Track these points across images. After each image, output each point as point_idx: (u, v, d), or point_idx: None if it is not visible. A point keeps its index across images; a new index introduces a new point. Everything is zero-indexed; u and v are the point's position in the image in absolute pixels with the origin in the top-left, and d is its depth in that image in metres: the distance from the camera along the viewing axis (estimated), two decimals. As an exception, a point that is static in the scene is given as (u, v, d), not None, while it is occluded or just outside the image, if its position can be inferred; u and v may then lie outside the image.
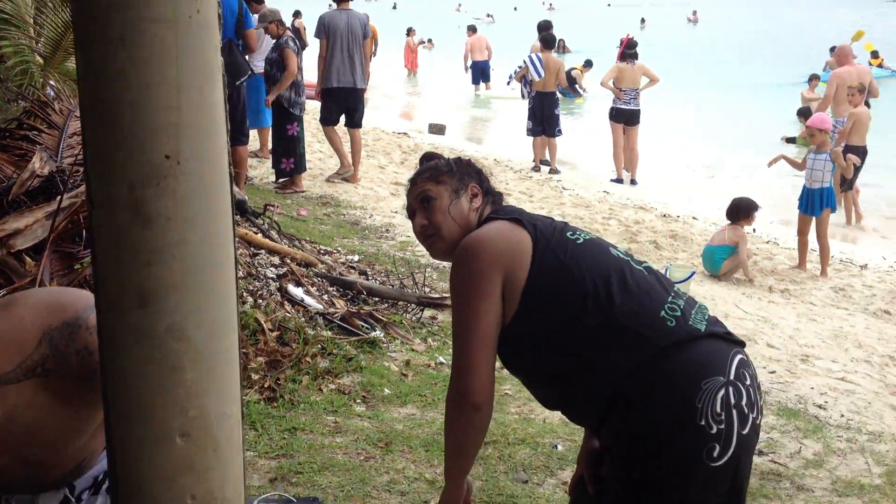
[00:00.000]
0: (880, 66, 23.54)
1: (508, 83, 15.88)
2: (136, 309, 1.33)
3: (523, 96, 12.97)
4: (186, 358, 1.36)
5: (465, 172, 2.39)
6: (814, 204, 8.05)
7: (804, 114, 15.13)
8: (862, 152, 9.59)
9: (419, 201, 2.32)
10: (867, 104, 10.31)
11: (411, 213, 2.36)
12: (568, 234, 2.22)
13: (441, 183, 2.32)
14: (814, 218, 8.08)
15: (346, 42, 9.21)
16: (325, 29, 9.22)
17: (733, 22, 50.42)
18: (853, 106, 9.74)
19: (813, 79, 17.44)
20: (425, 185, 2.32)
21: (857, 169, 9.43)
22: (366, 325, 4.88)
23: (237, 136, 7.58)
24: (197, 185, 1.34)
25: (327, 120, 9.55)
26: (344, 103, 9.48)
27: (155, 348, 1.34)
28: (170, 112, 1.30)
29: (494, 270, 2.09)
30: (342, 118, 9.68)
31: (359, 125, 9.67)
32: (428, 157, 2.47)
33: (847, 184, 9.81)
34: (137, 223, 1.31)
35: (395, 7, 73.16)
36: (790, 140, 11.07)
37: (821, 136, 8.11)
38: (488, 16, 53.04)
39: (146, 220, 1.31)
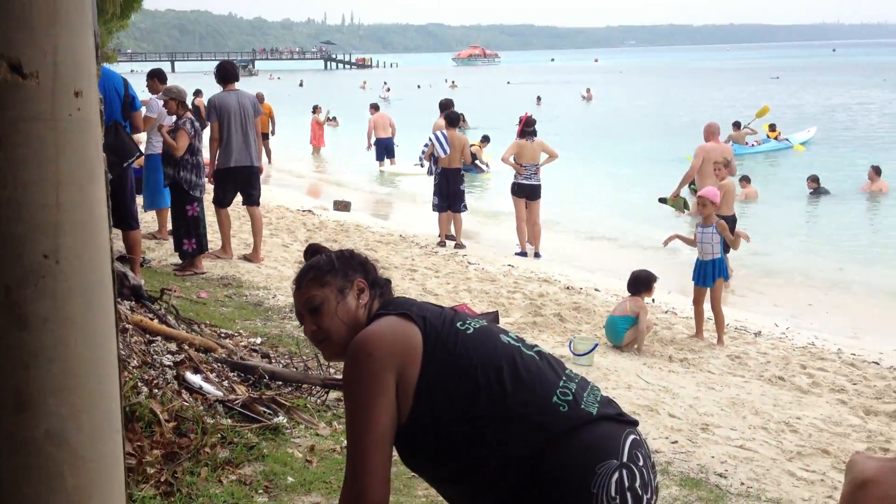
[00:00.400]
0: (776, 138, 25.26)
1: (421, 165, 16.09)
2: (12, 415, 1.28)
3: (429, 172, 13.16)
4: (67, 464, 1.31)
5: (350, 267, 2.37)
6: (706, 275, 8.32)
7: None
8: (731, 220, 10.03)
9: (306, 309, 2.31)
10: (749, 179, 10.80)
11: (300, 317, 2.36)
12: (458, 324, 2.23)
13: (326, 285, 2.30)
14: (708, 288, 8.35)
15: (239, 121, 9.21)
16: (216, 111, 9.21)
17: (626, 100, 52.47)
18: (719, 179, 10.19)
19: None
20: (310, 292, 2.31)
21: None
22: (268, 411, 4.77)
23: (128, 221, 7.45)
24: (77, 284, 1.31)
25: (221, 202, 9.46)
26: (241, 182, 9.43)
27: (32, 456, 1.29)
28: (48, 210, 1.27)
29: (387, 370, 2.10)
30: (239, 198, 9.61)
31: (257, 203, 9.61)
32: (311, 252, 2.47)
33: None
34: (13, 325, 1.27)
35: (301, 84, 73.83)
36: (662, 200, 11.59)
37: (710, 208, 8.41)
38: (387, 90, 53.86)
39: (23, 322, 1.27)
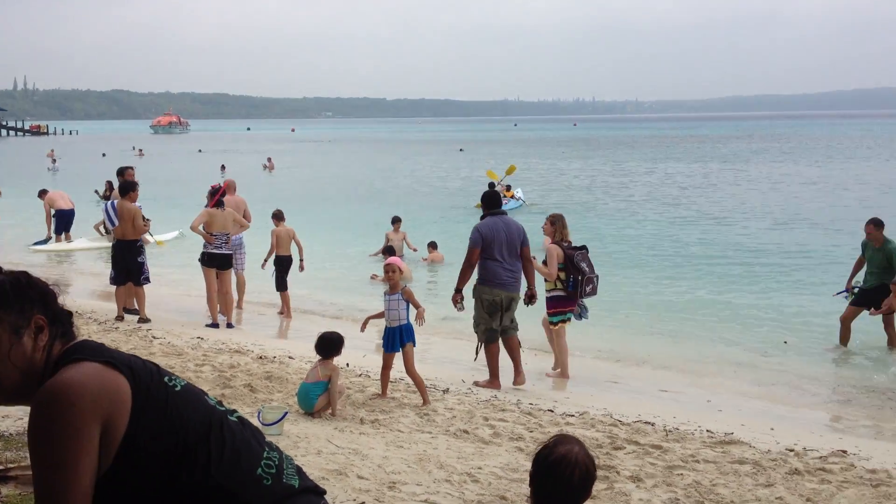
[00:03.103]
0: (512, 197, 28.28)
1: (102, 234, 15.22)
2: None
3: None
4: None
5: (27, 300, 2.03)
6: (395, 341, 8.51)
7: (389, 252, 16.29)
8: (286, 261, 11.84)
9: None
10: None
11: None
12: (165, 379, 2.06)
13: None
14: (396, 353, 8.51)
15: None
16: None
17: (316, 168, 53.57)
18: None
19: (396, 221, 18.78)
20: None
21: (284, 273, 12.93)
22: None
23: None
24: None
25: None
26: None
27: None
28: None
29: (92, 421, 1.86)
30: None
31: None
32: None
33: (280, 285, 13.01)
34: None
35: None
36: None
37: (397, 275, 8.65)
38: (53, 160, 50.48)
39: None
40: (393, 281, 8.62)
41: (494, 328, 9.53)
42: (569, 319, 10.16)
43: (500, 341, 9.62)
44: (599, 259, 18.95)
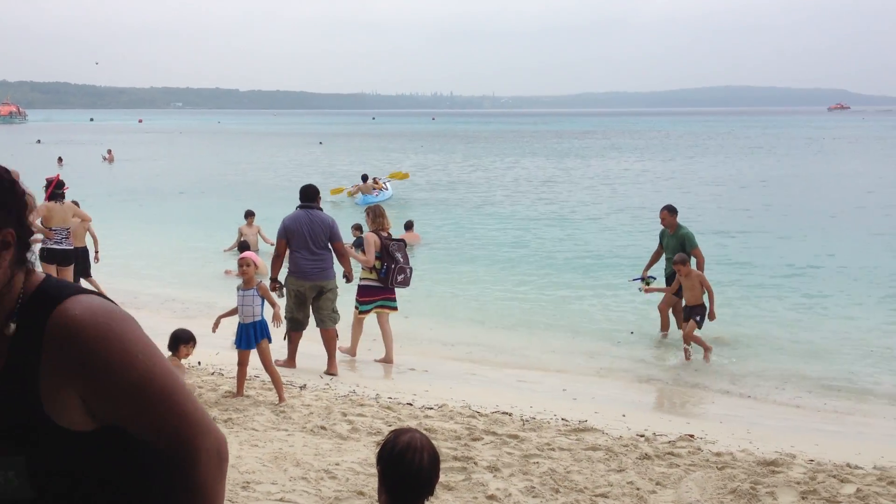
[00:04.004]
0: (382, 189, 29.14)
1: None
2: None
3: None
4: None
5: (2, 206, 1.74)
6: (250, 338, 8.28)
7: (243, 247, 15.88)
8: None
9: None
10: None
11: None
12: None
13: None
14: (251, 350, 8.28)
15: None
16: None
17: (156, 162, 51.85)
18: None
19: (249, 215, 18.34)
20: None
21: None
22: None
23: None
24: None
25: None
26: None
27: None
28: None
29: None
30: None
31: None
32: None
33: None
34: None
35: None
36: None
37: (252, 270, 8.42)
38: None
39: None
40: (248, 276, 8.39)
41: (299, 318, 9.97)
42: (394, 307, 10.55)
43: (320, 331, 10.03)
44: (453, 253, 19.43)
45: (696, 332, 10.93)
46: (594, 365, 10.93)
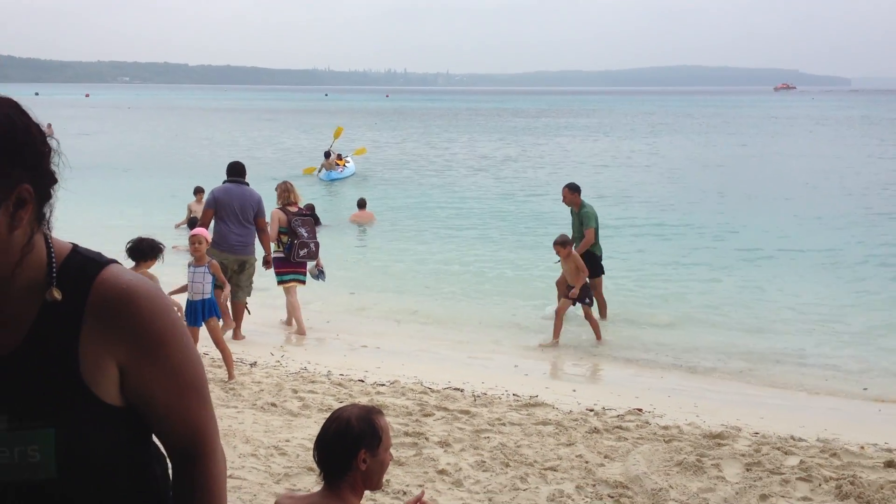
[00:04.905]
0: (345, 166, 28.92)
1: None
2: None
3: None
4: None
5: (16, 157, 1.52)
6: (197, 315, 8.18)
7: (193, 223, 15.63)
8: None
9: None
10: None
11: None
12: None
13: None
14: (199, 328, 8.18)
15: None
16: None
17: (103, 136, 50.92)
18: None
19: (198, 192, 18.06)
20: None
21: None
22: None
23: None
24: None
25: None
26: None
27: None
28: None
29: None
30: None
31: None
32: None
33: None
34: None
35: None
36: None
37: (203, 247, 8.31)
38: None
39: None
40: (199, 253, 8.29)
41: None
42: (302, 281, 10.69)
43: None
44: (407, 230, 19.40)
45: (590, 312, 10.78)
46: (538, 339, 10.92)
